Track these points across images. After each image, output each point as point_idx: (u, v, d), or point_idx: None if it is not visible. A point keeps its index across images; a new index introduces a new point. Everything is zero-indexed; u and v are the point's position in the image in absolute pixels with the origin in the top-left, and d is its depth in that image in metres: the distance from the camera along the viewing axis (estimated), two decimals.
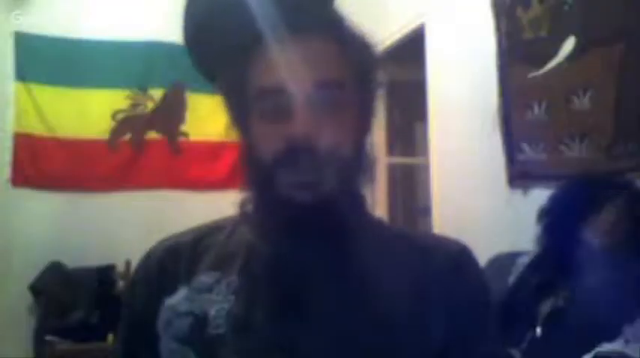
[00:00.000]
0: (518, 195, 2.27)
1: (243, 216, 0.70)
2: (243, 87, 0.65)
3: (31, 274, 3.36)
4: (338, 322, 0.62)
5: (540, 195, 2.00)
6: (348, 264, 0.64)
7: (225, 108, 0.69)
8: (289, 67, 0.62)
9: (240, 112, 0.67)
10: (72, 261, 3.43)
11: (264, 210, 0.66)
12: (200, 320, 0.63)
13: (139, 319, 0.70)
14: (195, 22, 0.70)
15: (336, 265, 0.63)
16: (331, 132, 0.62)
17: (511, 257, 1.78)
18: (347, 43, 0.66)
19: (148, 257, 0.73)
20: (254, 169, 0.66)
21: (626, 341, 1.36)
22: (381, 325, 0.62)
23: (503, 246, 1.88)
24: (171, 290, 0.67)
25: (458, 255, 0.69)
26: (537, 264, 1.65)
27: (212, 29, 0.67)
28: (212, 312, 0.63)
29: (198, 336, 0.63)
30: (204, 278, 0.66)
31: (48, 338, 3.18)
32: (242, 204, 0.69)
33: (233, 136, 0.70)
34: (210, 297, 0.65)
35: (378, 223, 0.75)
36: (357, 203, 0.69)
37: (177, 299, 0.66)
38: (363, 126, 0.68)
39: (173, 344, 0.64)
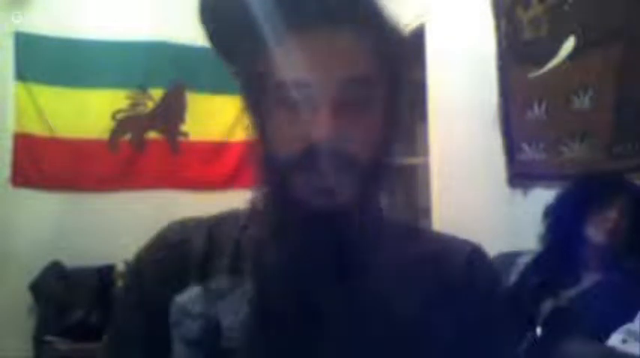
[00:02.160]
0: (518, 194, 2.27)
1: (254, 214, 0.66)
2: (264, 76, 0.60)
3: (31, 274, 3.36)
4: (357, 335, 0.59)
5: (540, 195, 2.00)
6: (364, 274, 0.61)
7: (243, 101, 0.65)
8: (316, 61, 0.57)
9: (258, 106, 0.62)
10: (72, 261, 3.43)
11: (277, 212, 0.62)
12: (212, 326, 0.60)
13: (147, 301, 0.65)
14: (212, 6, 0.64)
15: (351, 276, 0.60)
16: (355, 134, 0.57)
17: (511, 257, 1.78)
18: (380, 36, 0.60)
19: (162, 238, 0.69)
20: (269, 168, 0.61)
21: (624, 341, 1.36)
22: (400, 337, 0.60)
23: (503, 246, 1.88)
24: (182, 283, 0.64)
25: (472, 256, 0.67)
26: (539, 263, 1.66)
27: (231, 11, 0.62)
28: (225, 322, 0.60)
29: (210, 343, 0.60)
30: (218, 282, 0.63)
31: (48, 338, 3.18)
32: (253, 202, 0.65)
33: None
34: (224, 305, 0.61)
35: (392, 225, 0.71)
36: (376, 211, 0.65)
37: (189, 297, 0.62)
38: (389, 129, 0.62)
39: (181, 345, 0.61)
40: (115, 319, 0.71)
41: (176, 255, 0.66)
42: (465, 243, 0.69)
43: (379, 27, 0.61)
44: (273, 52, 0.59)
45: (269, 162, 0.61)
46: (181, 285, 0.64)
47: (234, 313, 0.61)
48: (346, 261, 0.60)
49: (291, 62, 0.58)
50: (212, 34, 0.65)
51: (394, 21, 0.63)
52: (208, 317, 0.61)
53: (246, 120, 0.65)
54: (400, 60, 0.63)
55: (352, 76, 0.58)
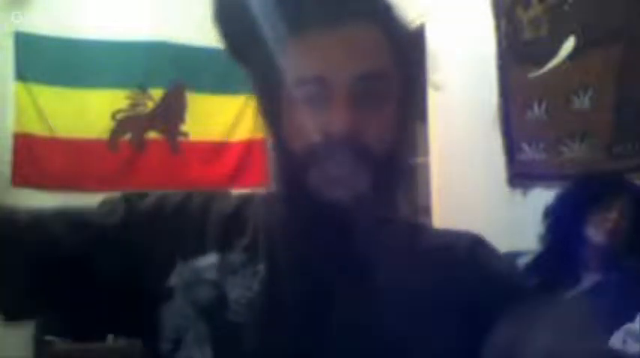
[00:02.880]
0: (518, 194, 2.27)
1: (272, 201, 0.67)
2: (279, 73, 0.61)
3: None
4: (364, 325, 0.60)
5: (540, 195, 2.00)
6: (372, 262, 0.62)
7: (256, 97, 0.65)
8: (331, 56, 0.58)
9: (272, 100, 0.63)
10: None
11: (292, 205, 0.63)
12: (221, 297, 0.61)
13: (149, 237, 0.64)
14: (227, 8, 0.65)
15: (360, 264, 0.61)
16: (370, 126, 0.58)
17: (511, 257, 1.78)
18: (394, 33, 0.62)
19: (196, 196, 0.69)
20: (284, 163, 0.62)
21: (624, 341, 1.36)
22: (406, 323, 0.60)
23: (503, 246, 1.88)
24: (200, 246, 0.64)
25: (474, 247, 0.67)
26: (539, 263, 1.66)
27: (246, 9, 0.62)
28: (232, 296, 0.61)
29: (216, 312, 0.60)
30: (234, 257, 0.63)
31: (48, 338, 3.18)
32: (270, 189, 0.67)
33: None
34: (234, 280, 0.62)
35: (407, 223, 0.72)
36: (391, 205, 0.66)
37: (206, 264, 0.63)
38: (402, 124, 0.63)
39: (188, 308, 0.61)
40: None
41: (198, 218, 0.66)
42: (466, 234, 0.69)
43: (392, 24, 0.62)
44: (288, 50, 0.60)
45: (285, 158, 0.62)
46: (196, 248, 0.64)
47: (242, 289, 0.61)
48: (354, 248, 0.60)
49: (305, 58, 0.59)
50: (227, 35, 0.65)
51: (404, 19, 0.64)
52: (219, 287, 0.61)
53: (259, 119, 0.66)
54: (413, 57, 0.64)
55: (366, 71, 0.59)
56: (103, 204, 0.69)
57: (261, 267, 0.62)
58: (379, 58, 0.60)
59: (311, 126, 0.58)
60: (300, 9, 0.59)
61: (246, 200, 0.70)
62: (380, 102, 0.60)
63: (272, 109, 0.63)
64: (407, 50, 0.63)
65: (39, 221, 0.63)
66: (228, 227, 0.66)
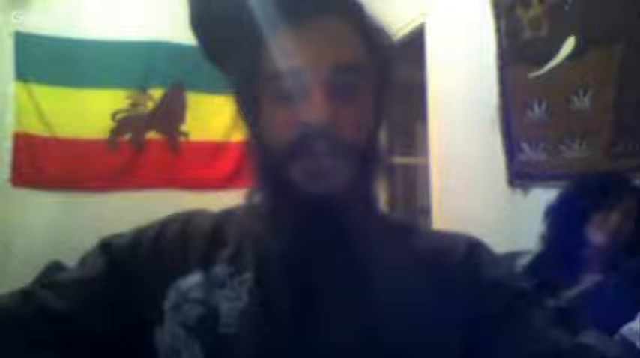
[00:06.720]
0: (518, 195, 2.27)
1: (252, 208, 0.67)
2: (256, 70, 0.62)
3: (31, 274, 3.35)
4: (357, 324, 0.60)
5: (540, 195, 2.00)
6: (364, 261, 0.61)
7: (234, 94, 0.66)
8: (305, 50, 0.59)
9: (250, 98, 0.64)
10: (72, 260, 3.41)
11: (275, 202, 0.63)
12: (210, 313, 0.61)
13: (133, 271, 0.66)
14: (203, 11, 0.66)
15: (351, 263, 0.61)
16: (348, 117, 0.59)
17: (511, 257, 1.78)
18: (364, 26, 0.63)
19: (172, 221, 0.70)
20: (264, 158, 0.63)
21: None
22: (401, 326, 0.60)
23: (503, 246, 1.88)
24: (183, 267, 0.65)
25: (471, 249, 0.67)
26: (539, 263, 1.65)
27: (221, 10, 0.63)
28: (223, 309, 0.61)
29: (207, 329, 0.61)
30: (219, 270, 0.64)
31: None
32: (249, 196, 0.67)
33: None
34: (223, 293, 0.62)
35: (391, 222, 0.72)
36: (371, 197, 0.66)
37: (190, 283, 0.63)
38: (378, 115, 0.64)
39: (178, 329, 0.62)
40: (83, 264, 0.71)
41: (177, 241, 0.67)
42: (463, 237, 0.69)
43: (361, 18, 0.64)
44: (265, 47, 0.61)
45: (265, 154, 0.62)
46: (183, 270, 0.65)
47: (232, 301, 0.61)
48: (344, 246, 0.60)
49: (282, 52, 0.60)
50: (205, 40, 0.66)
51: (376, 16, 0.65)
52: (207, 304, 0.62)
53: (240, 121, 0.67)
54: (385, 49, 0.66)
55: (341, 63, 0.60)
56: (82, 260, 0.73)
57: (247, 275, 0.63)
58: (352, 50, 0.61)
59: (290, 120, 0.59)
60: (274, 7, 0.60)
61: (225, 215, 0.71)
62: (356, 94, 0.61)
63: (251, 109, 0.64)
64: (378, 42, 0.64)
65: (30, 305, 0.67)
66: (209, 243, 0.66)
